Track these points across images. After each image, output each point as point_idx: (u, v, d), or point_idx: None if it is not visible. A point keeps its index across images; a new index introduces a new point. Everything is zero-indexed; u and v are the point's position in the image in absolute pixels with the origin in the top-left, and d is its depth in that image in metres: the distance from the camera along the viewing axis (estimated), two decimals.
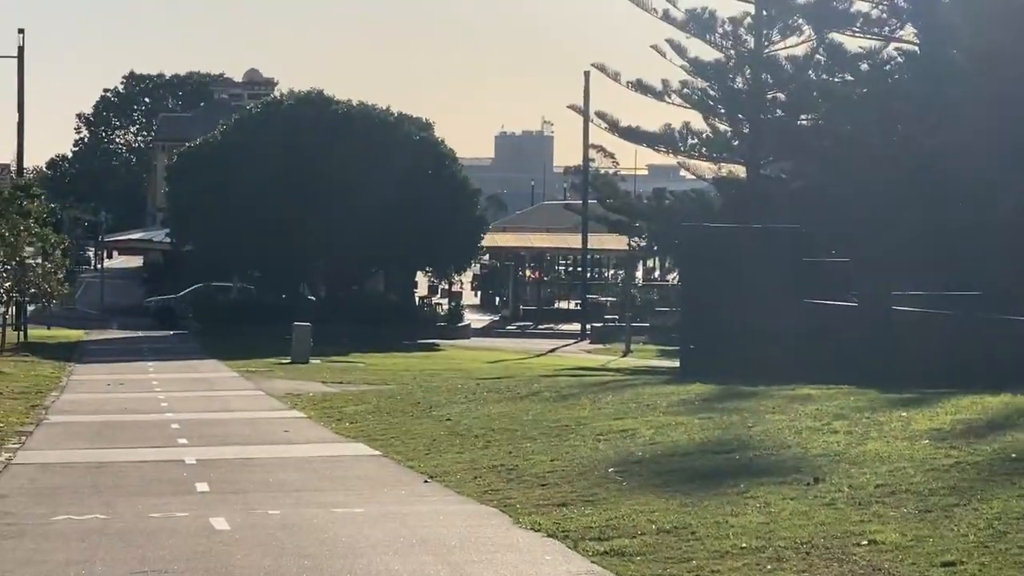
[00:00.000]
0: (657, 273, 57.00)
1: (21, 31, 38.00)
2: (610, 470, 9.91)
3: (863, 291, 21.11)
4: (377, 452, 12.36)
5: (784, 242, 22.05)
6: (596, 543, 6.66)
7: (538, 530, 7.15)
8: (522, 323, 47.85)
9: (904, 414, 12.61)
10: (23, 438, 13.42)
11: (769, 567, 5.77)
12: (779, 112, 30.38)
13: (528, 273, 55.30)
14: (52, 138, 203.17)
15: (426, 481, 9.90)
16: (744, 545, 6.48)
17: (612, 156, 34.99)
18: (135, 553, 6.41)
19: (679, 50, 29.93)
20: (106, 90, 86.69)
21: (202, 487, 9.32)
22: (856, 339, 19.35)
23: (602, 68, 32.25)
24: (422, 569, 6.00)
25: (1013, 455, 8.68)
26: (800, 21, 29.12)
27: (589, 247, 45.67)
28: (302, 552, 6.39)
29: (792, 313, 19.95)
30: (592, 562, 6.17)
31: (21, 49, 37.95)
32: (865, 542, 6.27)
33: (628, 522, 7.21)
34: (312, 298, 41.48)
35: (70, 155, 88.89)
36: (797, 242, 22.33)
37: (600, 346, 38.24)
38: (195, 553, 6.36)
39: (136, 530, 7.13)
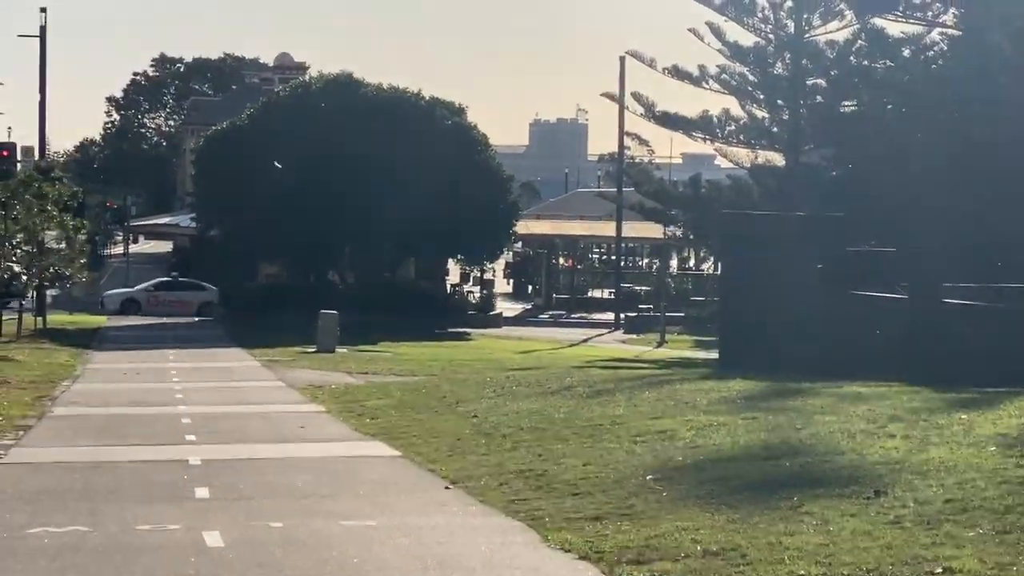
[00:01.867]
0: (692, 262, 57.40)
1: (43, 10, 37.81)
2: (648, 477, 9.08)
3: (911, 282, 20.40)
4: (397, 453, 11.45)
5: (828, 230, 21.68)
6: (634, 567, 5.93)
7: (569, 550, 6.36)
8: (555, 312, 47.73)
9: (964, 416, 11.69)
10: (21, 433, 12.74)
11: None
12: (819, 99, 29.46)
13: (561, 261, 54.84)
14: (83, 122, 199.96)
15: (447, 487, 9.07)
16: (803, 572, 5.73)
17: (647, 143, 35.11)
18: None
19: (717, 33, 29.24)
20: (136, 73, 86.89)
21: (202, 493, 8.51)
22: (905, 333, 18.68)
23: (636, 55, 32.91)
24: None
25: None
26: (841, 6, 28.57)
27: (624, 235, 44.98)
28: None
29: (837, 304, 19.40)
30: None
31: (43, 28, 37.74)
32: (940, 570, 5.60)
33: (670, 541, 6.43)
34: (339, 285, 41.08)
35: (99, 139, 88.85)
36: (841, 231, 21.85)
37: (634, 336, 38.55)
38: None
39: (117, 546, 6.33)
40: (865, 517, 7.04)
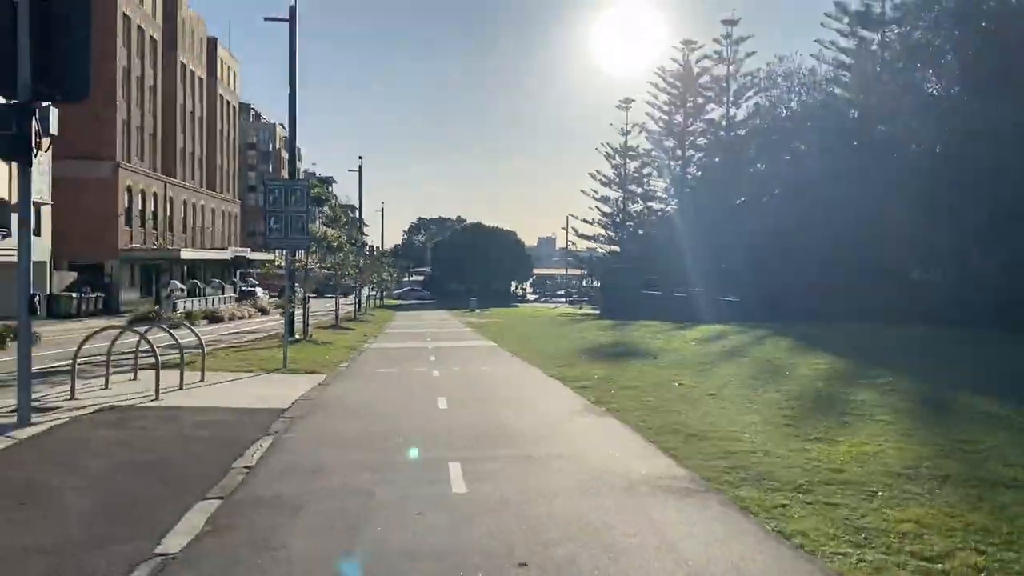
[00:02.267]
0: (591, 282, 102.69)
1: (360, 157, 68.53)
2: (579, 353, 22.37)
3: (661, 288, 40.92)
4: (494, 343, 25.91)
5: (638, 270, 55.49)
6: (573, 381, 18.09)
7: (552, 376, 19.16)
8: (545, 297, 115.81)
9: (681, 332, 25.73)
10: (373, 338, 27.94)
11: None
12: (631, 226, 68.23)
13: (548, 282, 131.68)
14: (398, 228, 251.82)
15: (512, 355, 22.57)
16: (632, 384, 18.30)
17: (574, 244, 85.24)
18: (405, 383, 18.09)
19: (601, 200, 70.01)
20: (409, 227, 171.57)
21: (432, 358, 21.72)
22: (661, 305, 37.57)
23: (572, 218, 62.13)
24: None
25: None
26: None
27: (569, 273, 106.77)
28: None
29: (640, 296, 46.56)
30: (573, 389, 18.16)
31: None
32: (677, 384, 18.17)
33: (586, 373, 19.15)
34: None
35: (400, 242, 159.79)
36: (642, 270, 54.82)
37: (575, 306, 62.17)
38: (426, 384, 18.26)
39: (406, 375, 18.82)
40: (650, 366, 19.52)
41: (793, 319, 31.81)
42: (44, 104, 10.49)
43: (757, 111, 48.78)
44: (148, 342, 14.05)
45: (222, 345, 26.90)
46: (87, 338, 14.23)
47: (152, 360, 14.16)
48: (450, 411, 12.90)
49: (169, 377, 15.35)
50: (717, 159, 58.14)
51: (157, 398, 13.51)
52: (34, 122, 10.28)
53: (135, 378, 16.25)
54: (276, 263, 35.29)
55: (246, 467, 8.92)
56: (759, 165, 49.61)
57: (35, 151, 10.35)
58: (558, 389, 15.99)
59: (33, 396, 13.55)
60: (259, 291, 72.39)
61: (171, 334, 15.90)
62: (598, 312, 56.98)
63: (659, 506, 7.47)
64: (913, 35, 39.24)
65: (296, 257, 29.45)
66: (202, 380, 16.29)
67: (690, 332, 26.34)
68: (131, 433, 10.47)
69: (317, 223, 35.80)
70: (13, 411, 10.98)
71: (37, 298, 10.67)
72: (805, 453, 9.59)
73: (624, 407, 13.13)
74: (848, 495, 7.79)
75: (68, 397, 13.41)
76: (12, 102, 10.25)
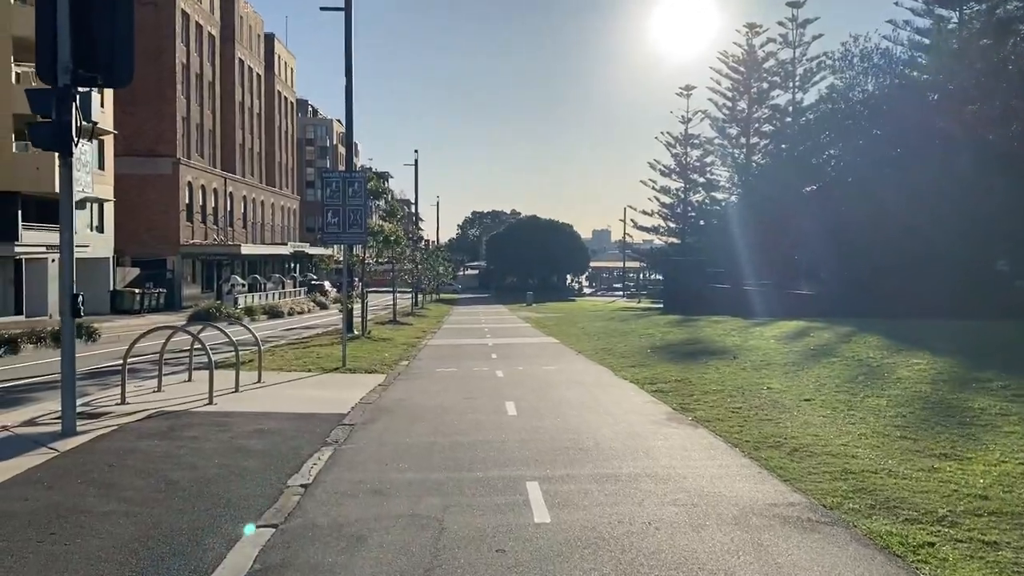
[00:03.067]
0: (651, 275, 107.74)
1: (416, 151, 73.64)
2: (648, 351, 21.11)
3: (731, 281, 44.74)
4: (558, 341, 24.78)
5: (700, 262, 53.97)
6: (648, 384, 16.72)
7: (625, 378, 17.92)
8: (603, 290, 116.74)
9: (758, 329, 24.42)
10: (433, 333, 29.01)
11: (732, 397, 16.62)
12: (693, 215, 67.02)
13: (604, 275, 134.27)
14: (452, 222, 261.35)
15: (578, 354, 21.45)
16: (714, 387, 16.83)
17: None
18: (469, 384, 17.11)
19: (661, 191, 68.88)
20: (463, 220, 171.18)
21: (494, 356, 20.87)
22: (731, 299, 41.17)
23: (631, 208, 61.75)
24: None
25: None
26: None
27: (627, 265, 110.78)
28: None
29: (706, 289, 47.07)
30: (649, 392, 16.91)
31: (416, 162, 65.19)
32: (766, 389, 16.88)
33: (662, 375, 17.92)
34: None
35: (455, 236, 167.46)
36: (704, 263, 53.51)
37: (631, 299, 74.66)
38: (490, 386, 17.25)
39: (467, 375, 17.87)
40: (732, 367, 18.00)
41: (873, 314, 30.00)
42: (85, 90, 9.73)
43: (831, 94, 46.53)
44: (201, 342, 13.31)
45: (281, 342, 26.35)
46: (138, 338, 13.56)
47: (215, 359, 13.47)
48: (520, 418, 11.86)
49: (224, 378, 14.66)
50: (784, 146, 55.93)
51: (211, 402, 12.76)
52: (75, 109, 9.52)
53: (190, 379, 15.61)
54: (335, 258, 34.77)
55: (302, 485, 8.02)
56: (831, 151, 47.41)
57: (76, 139, 9.60)
58: (633, 393, 14.83)
59: (84, 399, 12.97)
60: (327, 284, 72.75)
61: (225, 333, 15.18)
62: (660, 306, 55.43)
63: (780, 543, 6.31)
64: (1000, 7, 36.80)
65: (354, 252, 28.79)
66: (259, 381, 15.57)
67: (767, 329, 24.84)
68: (179, 445, 9.66)
69: (374, 217, 35.11)
70: (58, 418, 10.29)
71: (81, 299, 9.93)
72: (936, 474, 8.30)
73: (711, 415, 11.93)
74: (1006, 530, 6.53)
75: (119, 402, 12.74)
76: (50, 87, 9.50)
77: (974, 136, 33.48)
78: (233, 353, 14.74)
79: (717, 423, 11.30)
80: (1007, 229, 32.75)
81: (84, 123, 9.72)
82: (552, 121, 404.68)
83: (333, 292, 67.26)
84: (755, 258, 45.93)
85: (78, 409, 11.69)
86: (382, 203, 35.97)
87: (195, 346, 15.32)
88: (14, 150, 42.31)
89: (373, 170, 38.71)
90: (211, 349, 14.52)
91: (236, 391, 14.06)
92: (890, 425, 10.80)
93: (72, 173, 9.75)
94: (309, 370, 17.89)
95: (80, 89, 9.71)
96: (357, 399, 13.61)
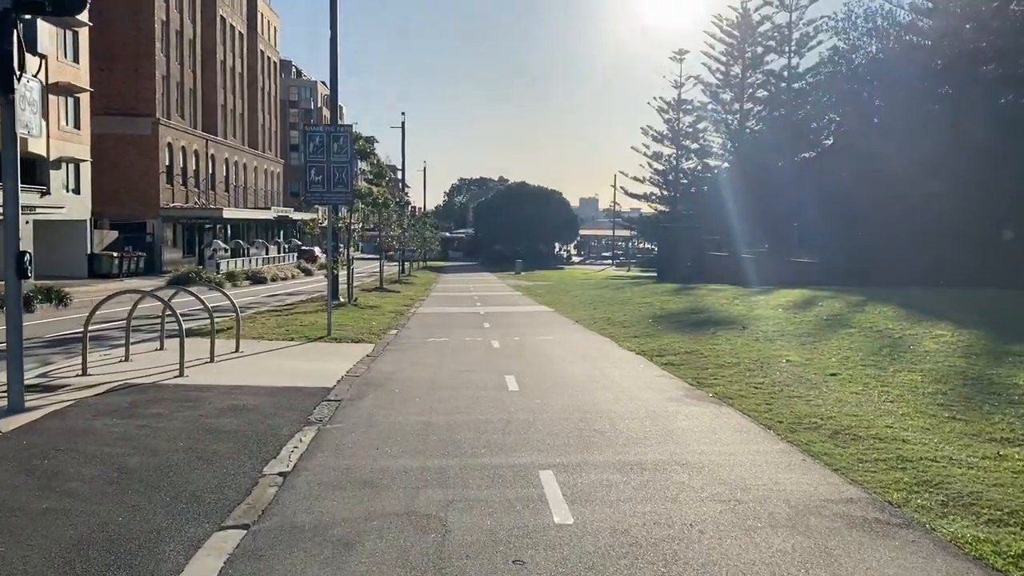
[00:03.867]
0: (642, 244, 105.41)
1: (403, 113, 76.05)
2: (650, 320, 20.07)
3: (729, 249, 45.50)
4: (552, 310, 23.61)
5: (694, 229, 51.99)
6: (658, 356, 15.20)
7: (630, 350, 16.85)
8: (590, 259, 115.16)
9: (762, 298, 23.31)
10: (421, 302, 27.72)
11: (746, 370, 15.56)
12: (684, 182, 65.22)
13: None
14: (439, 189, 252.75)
15: (575, 323, 20.30)
16: (729, 360, 15.30)
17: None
18: (464, 355, 16.00)
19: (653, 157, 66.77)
20: (450, 188, 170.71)
21: (487, 324, 19.64)
22: (728, 267, 40.72)
23: (621, 175, 62.91)
24: None
25: None
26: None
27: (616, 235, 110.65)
28: None
29: (700, 257, 45.53)
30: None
31: (403, 124, 62.35)
32: (784, 361, 15.82)
33: (671, 347, 16.72)
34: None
35: (441, 203, 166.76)
36: (698, 230, 51.99)
37: (620, 268, 75.86)
38: (486, 358, 16.16)
39: (460, 344, 16.80)
40: (743, 338, 16.70)
41: (878, 284, 29.08)
42: (28, 16, 8.42)
43: (833, 56, 45.18)
44: (171, 308, 12.10)
45: (263, 309, 25.13)
46: (101, 302, 12.31)
47: (190, 326, 12.28)
48: (523, 394, 10.77)
49: (200, 347, 13.49)
50: (780, 112, 54.71)
51: (181, 374, 11.60)
52: (17, 37, 8.22)
53: (162, 348, 14.43)
54: (320, 222, 33.44)
55: (281, 474, 6.92)
56: (832, 115, 46.24)
57: (19, 74, 8.31)
58: (643, 367, 13.76)
59: (42, 370, 11.78)
60: (317, 250, 71.28)
61: (199, 298, 13.95)
62: (654, 275, 54.48)
63: (853, 552, 5.26)
64: None
65: (340, 215, 27.49)
66: (237, 350, 14.41)
67: (771, 297, 23.84)
68: (141, 425, 8.51)
69: (360, 181, 33.81)
70: (4, 393, 9.11)
71: (28, 257, 8.71)
72: (1003, 462, 7.29)
73: (733, 391, 10.89)
74: None
75: (79, 373, 11.56)
76: None
77: (985, 100, 32.36)
78: (221, 319, 13.55)
79: (741, 400, 10.25)
80: (1017, 196, 31.78)
81: (29, 55, 8.42)
82: (541, 88, 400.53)
83: (322, 258, 65.90)
84: (750, 226, 44.97)
85: (33, 381, 10.55)
86: (367, 166, 34.59)
87: (168, 313, 14.12)
88: None
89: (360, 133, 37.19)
90: (188, 316, 13.39)
91: (211, 361, 12.91)
92: (932, 404, 9.79)
93: (15, 113, 8.47)
94: (292, 339, 16.73)
95: (24, 16, 8.40)
96: (344, 371, 12.48)
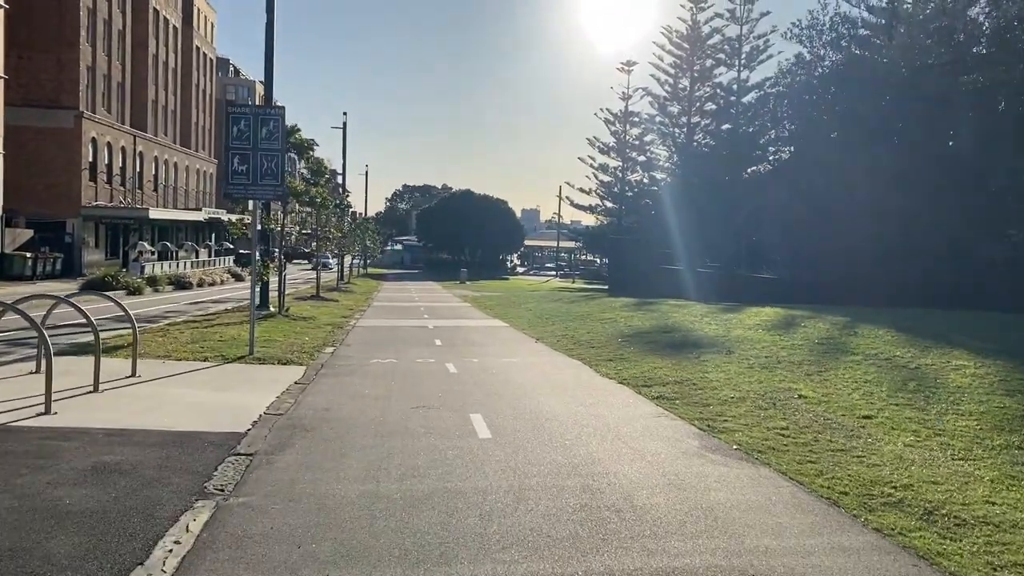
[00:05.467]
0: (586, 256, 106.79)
1: (344, 113, 78.05)
2: (619, 340, 17.85)
3: (682, 262, 43.52)
4: (507, 324, 21.03)
5: (641, 241, 50.02)
6: (645, 387, 12.08)
7: (610, 377, 14.57)
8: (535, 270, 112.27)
9: (732, 316, 21.65)
10: (363, 312, 26.47)
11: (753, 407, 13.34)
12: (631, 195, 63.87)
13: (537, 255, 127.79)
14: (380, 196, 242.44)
15: (536, 340, 17.83)
16: (731, 395, 11.77)
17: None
18: (415, 384, 13.49)
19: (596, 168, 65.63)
20: (392, 194, 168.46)
21: (438, 342, 17.05)
22: (678, 281, 38.66)
23: (567, 186, 71.14)
24: None
25: None
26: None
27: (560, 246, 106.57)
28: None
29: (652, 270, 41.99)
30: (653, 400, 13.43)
31: (344, 124, 61.24)
32: (797, 396, 11.89)
33: (657, 375, 14.15)
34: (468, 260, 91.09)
35: (383, 209, 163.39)
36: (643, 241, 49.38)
37: (565, 280, 75.59)
38: (443, 387, 13.72)
39: (415, 369, 14.26)
40: (734, 364, 14.13)
41: (846, 302, 27.47)
42: None
43: (794, 66, 43.96)
44: (31, 321, 9.32)
45: (179, 320, 22.19)
46: None
47: (84, 341, 9.57)
48: (498, 443, 8.37)
49: (86, 369, 10.76)
50: (726, 126, 53.58)
51: (48, 411, 8.89)
52: None
53: (37, 370, 11.61)
54: (247, 223, 30.44)
55: None
56: (789, 126, 45.01)
57: None
58: (632, 401, 11.45)
59: None
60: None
61: (80, 309, 11.17)
62: (604, 287, 52.64)
63: None
64: None
65: (272, 214, 24.70)
66: (133, 374, 11.69)
67: (743, 315, 21.87)
68: None
69: (296, 180, 31.05)
70: None
71: None
72: None
73: (757, 441, 8.67)
74: None
75: None
76: None
77: (957, 110, 31.21)
78: (126, 332, 10.81)
79: (775, 455, 8.02)
80: (983, 212, 30.65)
81: None
82: (482, 98, 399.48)
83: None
84: (699, 239, 43.43)
85: None
86: (304, 165, 31.74)
87: (78, 321, 11.32)
88: None
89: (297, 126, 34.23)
90: (97, 326, 10.63)
91: (95, 391, 10.19)
92: (1016, 463, 7.72)
93: None
94: (206, 358, 14.01)
95: None
96: (264, 407, 9.89)
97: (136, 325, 12.02)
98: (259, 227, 17.09)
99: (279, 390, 11.20)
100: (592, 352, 16.64)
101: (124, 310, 11.82)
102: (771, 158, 50.06)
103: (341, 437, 8.49)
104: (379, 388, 11.86)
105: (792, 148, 43.97)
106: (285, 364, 13.97)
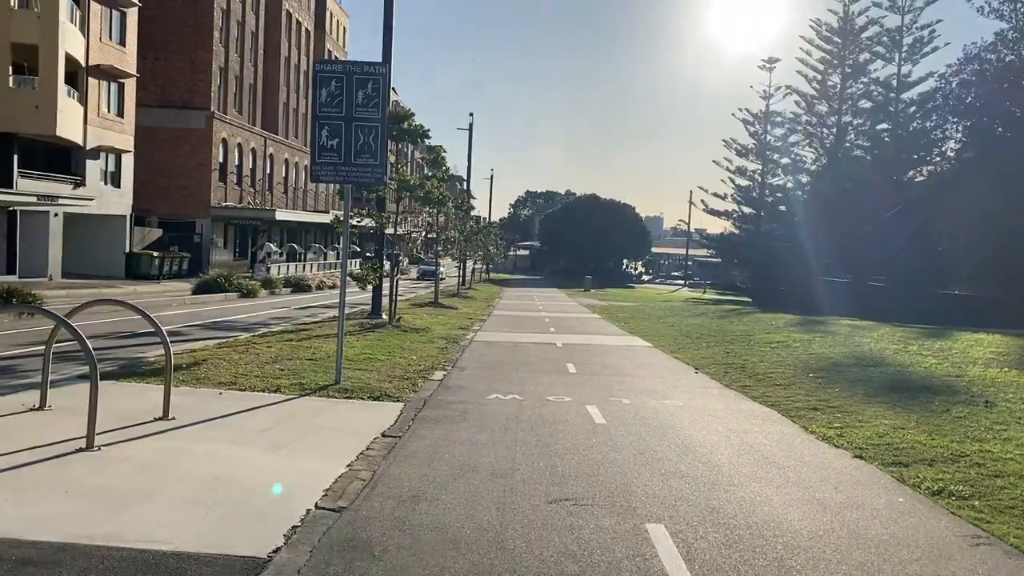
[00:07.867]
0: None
1: (471, 114, 72.02)
2: (809, 375, 13.68)
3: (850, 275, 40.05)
4: (650, 344, 17.08)
5: (792, 252, 45.65)
6: (901, 468, 7.95)
7: (825, 439, 10.33)
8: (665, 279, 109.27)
9: (939, 343, 17.55)
10: (483, 322, 25.03)
11: None
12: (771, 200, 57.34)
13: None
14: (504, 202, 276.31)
15: (695, 371, 13.68)
16: None
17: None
18: (544, 443, 9.20)
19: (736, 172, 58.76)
20: (516, 200, 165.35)
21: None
22: (848, 297, 35.01)
23: (701, 190, 65.74)
24: None
25: None
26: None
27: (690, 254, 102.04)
28: None
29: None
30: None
31: (471, 125, 61.88)
32: None
33: (903, 442, 9.26)
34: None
35: (506, 215, 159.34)
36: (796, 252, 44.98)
37: (695, 290, 74.58)
38: (591, 455, 9.94)
39: (546, 414, 10.51)
40: (1014, 427, 9.40)
41: None
42: None
43: (990, 48, 37.75)
44: (80, 339, 6.07)
45: (276, 328, 19.36)
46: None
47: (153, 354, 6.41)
48: None
49: (114, 403, 7.57)
50: (886, 124, 47.43)
51: None
52: None
53: (42, 405, 8.58)
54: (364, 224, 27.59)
55: None
56: (963, 123, 38.77)
57: None
58: (902, 500, 7.04)
59: None
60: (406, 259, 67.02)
61: (61, 324, 8.01)
62: (746, 300, 47.46)
63: None
64: None
65: (384, 212, 21.63)
66: (164, 416, 8.49)
67: (961, 344, 16.91)
68: None
69: (410, 171, 28.10)
70: None
71: None
72: None
73: None
74: None
75: None
76: None
77: None
78: (212, 342, 7.65)
79: None
80: None
81: None
82: (606, 102, 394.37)
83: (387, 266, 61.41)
84: (858, 249, 37.68)
85: None
86: (434, 175, 28.60)
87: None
88: (11, 84, 36.22)
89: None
90: (177, 336, 7.47)
91: (87, 448, 6.98)
92: None
93: None
94: (279, 387, 10.78)
95: None
96: (319, 492, 6.31)
97: (169, 345, 8.75)
98: (357, 222, 13.80)
99: (356, 450, 7.69)
100: (782, 394, 12.40)
101: (157, 326, 8.58)
102: (951, 158, 43.71)
103: (432, 566, 4.80)
104: (499, 452, 8.07)
105: (980, 146, 37.63)
106: (377, 399, 10.55)
